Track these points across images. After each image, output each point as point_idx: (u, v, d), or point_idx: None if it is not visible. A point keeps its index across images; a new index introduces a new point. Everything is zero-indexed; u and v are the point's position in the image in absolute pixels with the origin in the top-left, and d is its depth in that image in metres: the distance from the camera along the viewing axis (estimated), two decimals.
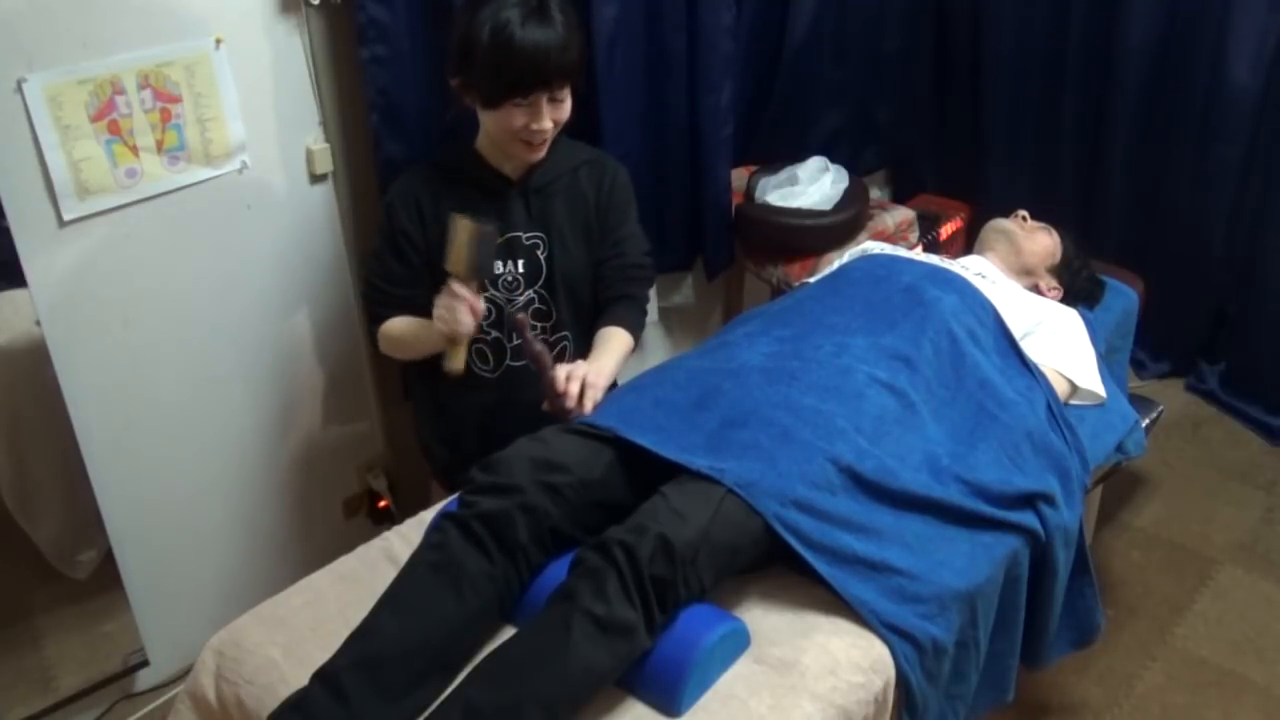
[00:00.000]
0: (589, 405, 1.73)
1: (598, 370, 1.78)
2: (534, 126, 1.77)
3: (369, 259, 1.95)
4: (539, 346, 1.75)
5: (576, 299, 1.97)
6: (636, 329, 1.97)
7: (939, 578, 1.56)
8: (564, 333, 1.99)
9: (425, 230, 1.87)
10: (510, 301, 1.93)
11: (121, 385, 1.97)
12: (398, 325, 1.91)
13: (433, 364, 1.83)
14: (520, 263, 1.91)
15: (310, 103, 2.07)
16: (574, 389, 1.72)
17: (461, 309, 1.69)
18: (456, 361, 1.75)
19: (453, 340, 1.73)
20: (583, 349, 1.95)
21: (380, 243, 1.91)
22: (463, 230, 1.68)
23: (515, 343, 1.92)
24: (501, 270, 1.90)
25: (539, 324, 1.94)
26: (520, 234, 1.90)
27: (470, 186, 1.89)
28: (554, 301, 1.95)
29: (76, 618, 2.04)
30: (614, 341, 1.90)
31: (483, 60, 1.71)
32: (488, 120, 1.81)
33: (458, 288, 1.69)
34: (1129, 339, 2.43)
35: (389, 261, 1.90)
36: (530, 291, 1.93)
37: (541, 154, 1.85)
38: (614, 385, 1.89)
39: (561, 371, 1.73)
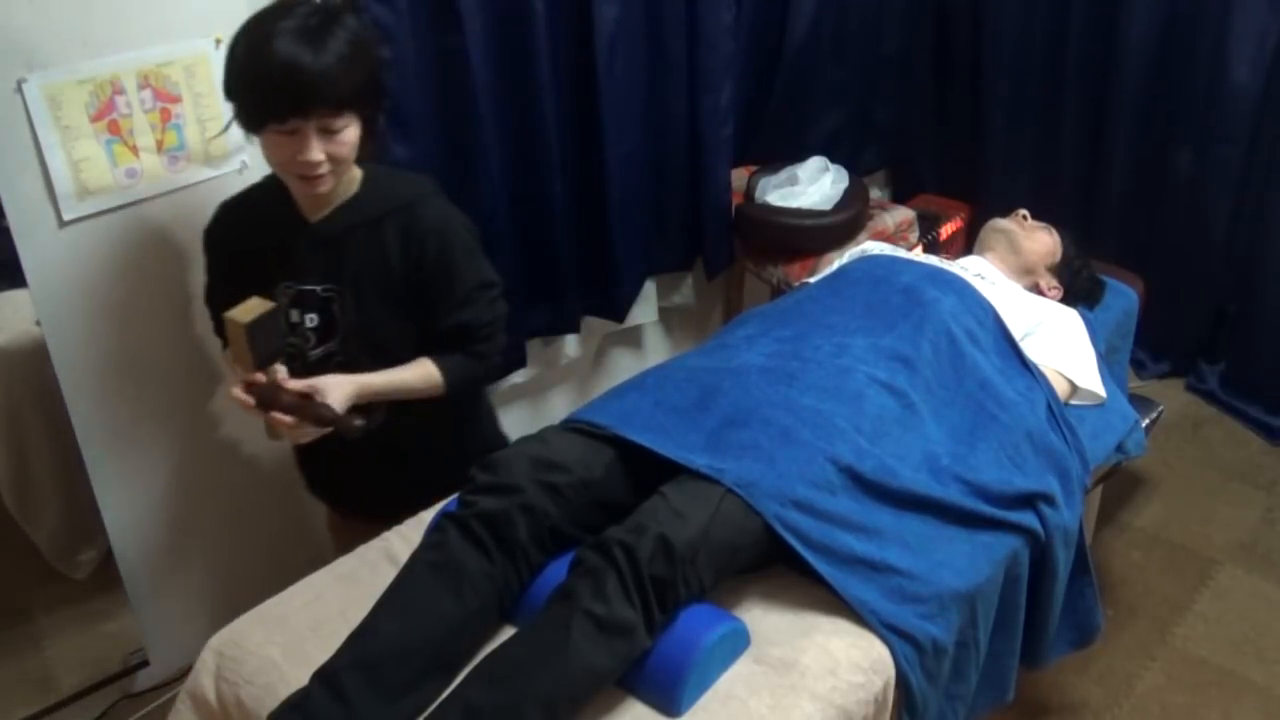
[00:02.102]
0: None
1: (340, 379, 1.61)
2: (300, 159, 1.53)
3: (206, 288, 1.81)
4: (317, 411, 1.58)
5: (384, 355, 1.70)
6: (460, 377, 1.73)
7: (939, 578, 1.56)
8: None
9: (230, 264, 1.73)
10: (303, 354, 1.71)
11: (121, 385, 1.96)
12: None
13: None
14: (313, 316, 1.69)
15: None
16: (292, 393, 1.56)
17: (241, 397, 1.55)
18: (273, 434, 1.66)
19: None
20: (405, 405, 1.73)
21: (206, 267, 1.79)
22: (233, 329, 1.51)
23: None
24: (298, 320, 1.69)
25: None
26: (314, 287, 1.68)
27: (272, 224, 1.68)
28: (351, 362, 1.69)
29: (76, 618, 2.04)
30: (411, 366, 1.69)
31: (236, 74, 1.53)
32: (263, 149, 1.59)
33: (242, 393, 1.54)
34: (1129, 339, 2.43)
35: (212, 297, 1.78)
36: (328, 346, 1.71)
37: (323, 188, 1.59)
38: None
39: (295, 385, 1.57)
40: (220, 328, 1.69)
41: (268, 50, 1.46)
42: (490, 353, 1.76)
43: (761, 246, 2.74)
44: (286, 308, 1.67)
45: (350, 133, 1.56)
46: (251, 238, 1.69)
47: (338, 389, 1.60)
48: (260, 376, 1.55)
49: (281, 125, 1.50)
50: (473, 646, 1.45)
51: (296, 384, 1.58)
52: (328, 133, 1.53)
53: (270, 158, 1.58)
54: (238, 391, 1.56)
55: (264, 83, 1.48)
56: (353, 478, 1.88)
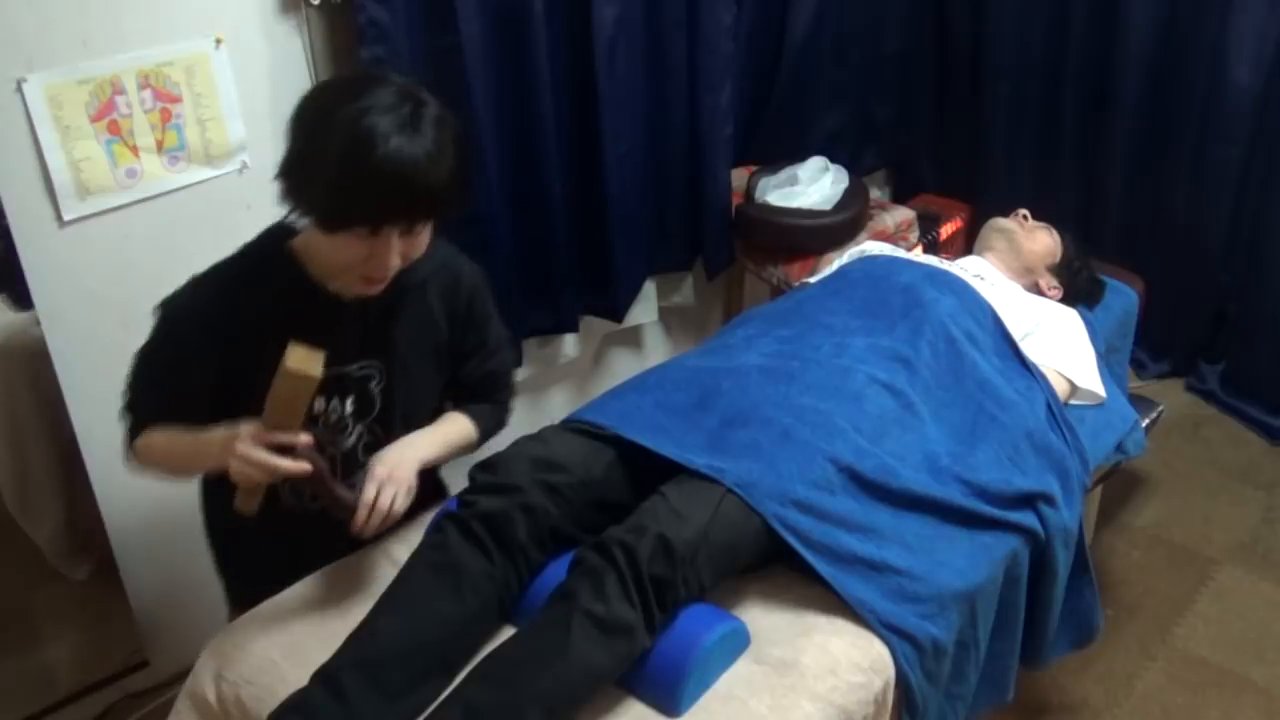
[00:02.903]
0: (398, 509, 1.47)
1: (398, 459, 1.48)
2: (376, 263, 1.36)
3: (137, 356, 1.50)
4: (340, 494, 1.44)
5: (414, 421, 1.60)
6: (488, 427, 1.66)
7: (939, 578, 1.56)
8: None
9: (219, 350, 1.46)
10: (333, 443, 1.55)
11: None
12: (161, 438, 1.48)
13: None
14: (349, 400, 1.52)
15: None
16: (374, 524, 1.44)
17: (265, 468, 1.34)
18: (250, 504, 1.40)
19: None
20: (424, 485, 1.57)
21: (154, 348, 1.48)
22: (294, 382, 1.30)
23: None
24: (322, 409, 1.51)
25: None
26: (349, 367, 1.51)
27: (285, 302, 1.45)
28: (388, 435, 1.56)
29: (76, 618, 2.04)
30: (450, 425, 1.60)
31: (332, 173, 1.30)
32: (319, 240, 1.39)
33: (263, 452, 1.32)
34: (1129, 339, 2.43)
35: (162, 373, 1.49)
36: (359, 428, 1.56)
37: (379, 289, 1.43)
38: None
39: (365, 509, 1.43)
40: (147, 423, 1.47)
41: (374, 147, 1.27)
42: (510, 399, 1.71)
43: (761, 246, 2.74)
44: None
45: (428, 230, 1.40)
46: (261, 322, 1.43)
47: (405, 467, 1.47)
48: (305, 438, 1.36)
49: (374, 233, 1.33)
50: (473, 646, 1.45)
51: (377, 476, 1.44)
52: (409, 235, 1.37)
53: (333, 254, 1.38)
54: (264, 454, 1.32)
55: (372, 188, 1.29)
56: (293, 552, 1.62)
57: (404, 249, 1.37)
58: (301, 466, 1.35)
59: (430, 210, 1.36)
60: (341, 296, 1.46)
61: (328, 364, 1.37)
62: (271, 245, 1.48)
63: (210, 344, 1.45)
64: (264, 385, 1.34)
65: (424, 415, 1.62)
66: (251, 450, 1.32)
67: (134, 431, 1.50)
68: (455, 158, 1.34)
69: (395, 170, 1.28)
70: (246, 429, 1.33)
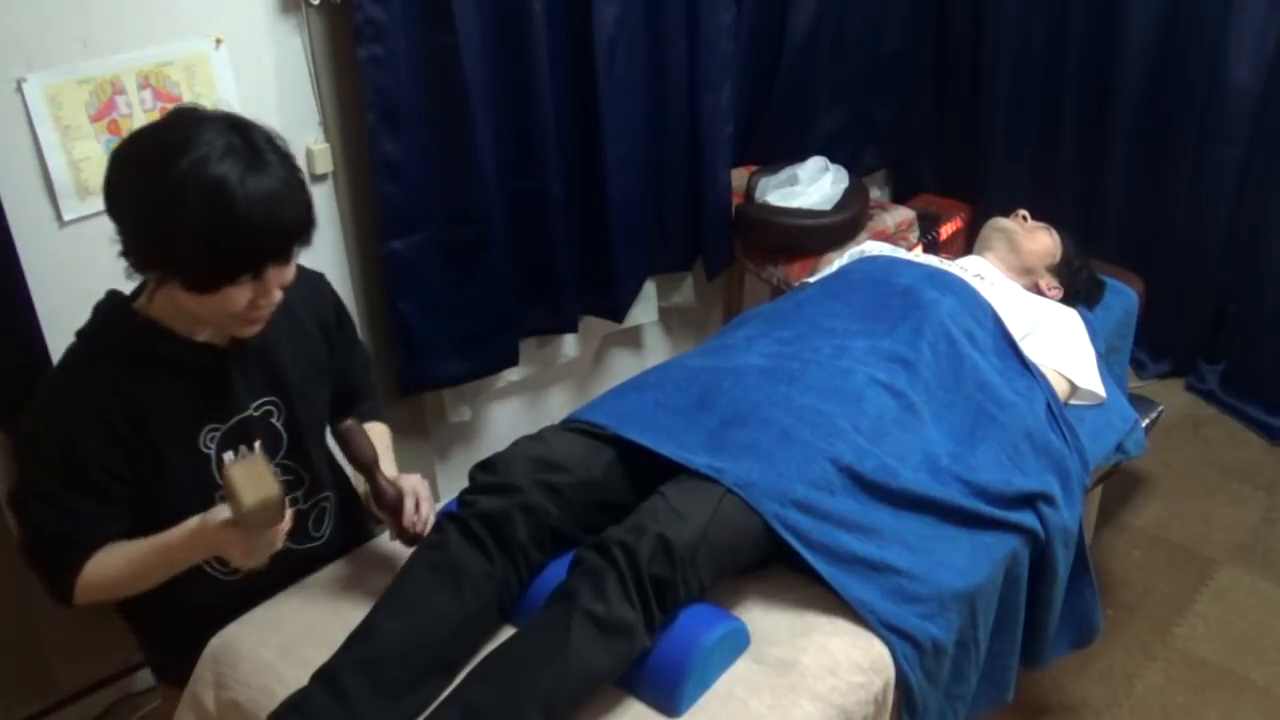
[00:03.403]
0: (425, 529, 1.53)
1: (419, 480, 1.56)
2: (262, 302, 1.30)
3: (27, 504, 1.37)
4: (371, 454, 1.50)
5: (324, 449, 1.59)
6: (385, 419, 1.74)
7: (939, 578, 1.56)
8: (325, 494, 1.58)
9: (125, 450, 1.35)
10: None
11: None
12: (115, 562, 1.38)
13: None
14: (256, 444, 1.44)
15: (310, 103, 2.07)
16: (423, 519, 1.51)
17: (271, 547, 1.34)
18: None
19: None
20: (341, 499, 1.63)
21: (47, 482, 1.34)
22: (244, 512, 1.25)
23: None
24: (233, 459, 1.39)
25: (291, 495, 1.50)
26: (249, 410, 1.44)
27: (161, 370, 1.36)
28: (304, 466, 1.53)
29: (76, 618, 2.04)
30: (388, 439, 1.68)
31: (201, 237, 1.21)
32: (186, 300, 1.28)
33: (261, 540, 1.31)
34: (1129, 339, 2.43)
35: (76, 501, 1.35)
36: (272, 467, 1.39)
37: (262, 325, 1.36)
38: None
39: (410, 501, 1.50)
40: (75, 560, 1.36)
41: (234, 197, 1.20)
42: (374, 389, 1.75)
43: (761, 246, 2.74)
44: (218, 453, 1.42)
45: (298, 252, 1.34)
46: (151, 395, 1.36)
47: (407, 478, 1.54)
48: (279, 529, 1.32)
49: (257, 275, 1.27)
50: (473, 646, 1.45)
51: (420, 491, 1.54)
52: (284, 264, 1.30)
53: (211, 310, 1.29)
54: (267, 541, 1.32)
55: (248, 238, 1.24)
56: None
57: (280, 279, 1.31)
58: (281, 543, 1.34)
59: (302, 233, 1.30)
60: (214, 344, 1.40)
61: (222, 411, 1.40)
62: (117, 319, 1.37)
63: (116, 449, 1.35)
64: (175, 463, 1.36)
65: (321, 434, 1.58)
66: (256, 543, 1.31)
67: (70, 577, 1.37)
68: (296, 170, 1.30)
69: (264, 213, 1.23)
70: (218, 519, 1.30)
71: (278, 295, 1.32)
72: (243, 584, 1.49)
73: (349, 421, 1.53)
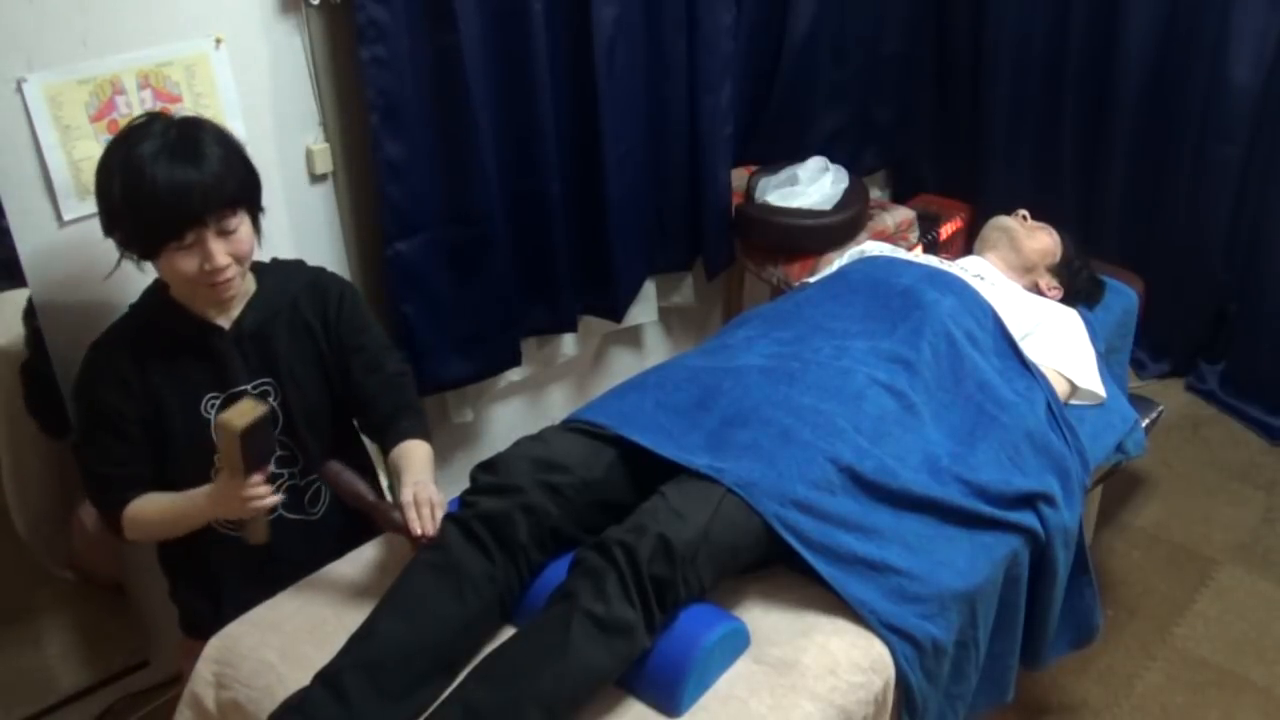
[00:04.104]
0: (434, 527, 1.53)
1: (434, 488, 1.57)
2: (208, 267, 1.51)
3: (79, 449, 1.65)
4: (359, 487, 1.55)
5: (322, 437, 1.73)
6: (429, 438, 1.74)
7: (939, 578, 1.56)
8: (316, 476, 1.72)
9: (138, 404, 1.61)
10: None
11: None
12: (150, 508, 1.63)
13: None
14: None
15: (310, 103, 2.07)
16: (427, 518, 1.51)
17: (253, 501, 1.49)
18: (259, 534, 1.56)
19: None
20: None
21: (88, 428, 1.63)
22: (228, 435, 1.43)
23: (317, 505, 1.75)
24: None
25: (286, 471, 1.70)
26: (245, 387, 1.65)
27: (174, 343, 1.62)
28: (298, 445, 1.70)
29: (76, 618, 2.04)
30: (420, 453, 1.68)
31: (120, 211, 1.49)
32: (160, 271, 1.57)
33: (241, 484, 1.47)
34: (1129, 339, 2.44)
35: (109, 443, 1.61)
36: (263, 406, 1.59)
37: (234, 290, 1.58)
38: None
39: (411, 510, 1.51)
40: (118, 497, 1.63)
41: (146, 177, 1.45)
42: (418, 401, 1.77)
43: (761, 246, 2.74)
44: (217, 419, 1.56)
45: (246, 228, 1.55)
46: (164, 363, 1.61)
47: (438, 494, 1.56)
48: (256, 477, 1.49)
49: (180, 241, 1.48)
50: (474, 647, 1.45)
51: (420, 495, 1.53)
52: (225, 234, 1.52)
53: (174, 277, 1.55)
54: (257, 491, 1.49)
55: (154, 208, 1.46)
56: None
57: (230, 248, 1.53)
58: (272, 500, 1.51)
59: (220, 202, 1.49)
60: (223, 327, 1.63)
61: (221, 386, 1.63)
62: (153, 296, 1.64)
63: (132, 402, 1.60)
64: (179, 424, 1.61)
65: (327, 426, 1.73)
66: (239, 489, 1.48)
67: (116, 511, 1.63)
68: (225, 156, 1.51)
69: (169, 188, 1.45)
70: (232, 482, 1.48)
71: (224, 260, 1.51)
72: (247, 549, 1.60)
73: (330, 462, 1.56)
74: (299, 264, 1.76)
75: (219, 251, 1.51)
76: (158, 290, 1.64)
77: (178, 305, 1.61)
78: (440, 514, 1.52)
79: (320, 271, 1.76)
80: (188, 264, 1.51)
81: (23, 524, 1.88)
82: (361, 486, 1.55)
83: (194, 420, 1.62)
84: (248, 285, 1.65)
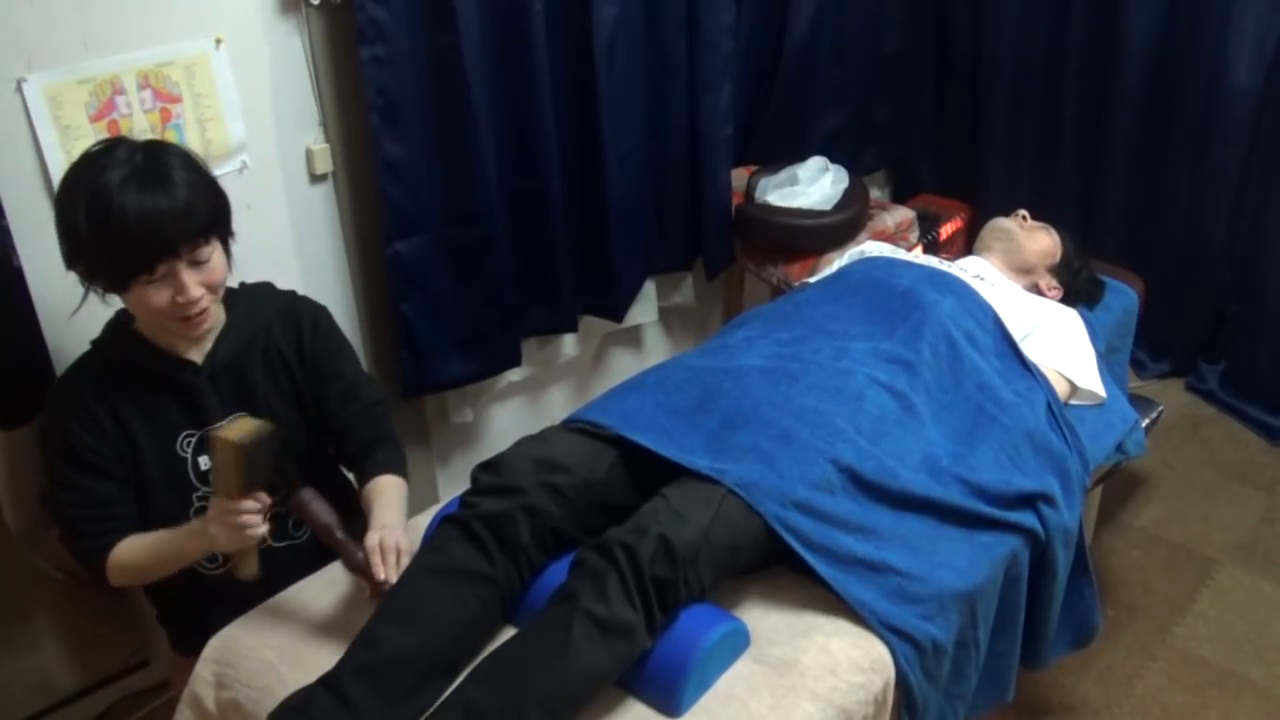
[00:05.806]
0: (396, 574, 1.48)
1: (402, 533, 1.53)
2: (180, 300, 1.44)
3: (57, 494, 1.56)
4: (327, 520, 1.51)
5: (301, 466, 1.69)
6: (405, 471, 1.69)
7: (939, 578, 1.56)
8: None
9: (113, 442, 1.54)
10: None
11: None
12: (135, 550, 1.55)
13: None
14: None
15: (310, 103, 2.07)
16: (391, 565, 1.46)
17: (249, 528, 1.42)
18: (249, 568, 1.49)
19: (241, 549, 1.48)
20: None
21: (63, 470, 1.54)
22: (225, 451, 1.38)
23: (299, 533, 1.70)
24: (207, 467, 1.57)
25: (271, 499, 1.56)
26: (221, 423, 1.58)
27: (143, 380, 1.55)
28: (278, 475, 1.59)
29: (76, 618, 2.04)
30: (393, 492, 1.62)
31: (85, 242, 1.40)
32: (129, 305, 1.50)
33: (236, 507, 1.41)
34: (1129, 339, 2.44)
35: (88, 484, 1.53)
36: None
37: (207, 324, 1.51)
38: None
39: (375, 556, 1.46)
40: (101, 542, 1.54)
41: (114, 207, 1.36)
42: (396, 431, 1.72)
43: (761, 246, 2.74)
44: (194, 458, 1.57)
45: (218, 256, 1.48)
46: (134, 401, 1.54)
47: (405, 540, 1.51)
48: (250, 503, 1.42)
49: (151, 274, 1.41)
50: (475, 647, 1.45)
51: (386, 540, 1.48)
52: (198, 264, 1.45)
53: (144, 311, 1.47)
54: (246, 518, 1.41)
55: (124, 240, 1.38)
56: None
57: (203, 278, 1.46)
58: (260, 531, 1.43)
59: (193, 232, 1.42)
60: (195, 362, 1.57)
61: (196, 422, 1.56)
62: (118, 330, 1.57)
63: (106, 440, 1.53)
64: (154, 463, 1.55)
65: (302, 454, 1.68)
66: (230, 509, 1.40)
67: (100, 557, 1.55)
68: (195, 183, 1.43)
69: (139, 219, 1.37)
70: (223, 503, 1.42)
71: (197, 293, 1.45)
72: (237, 585, 1.52)
73: (301, 490, 1.51)
74: (269, 288, 1.70)
75: (192, 283, 1.44)
76: (123, 323, 1.57)
77: (145, 339, 1.54)
78: (405, 561, 1.48)
79: (292, 296, 1.70)
80: (159, 297, 1.44)
81: (14, 523, 1.88)
82: (329, 519, 1.50)
83: (169, 459, 1.57)
84: (219, 314, 1.58)
